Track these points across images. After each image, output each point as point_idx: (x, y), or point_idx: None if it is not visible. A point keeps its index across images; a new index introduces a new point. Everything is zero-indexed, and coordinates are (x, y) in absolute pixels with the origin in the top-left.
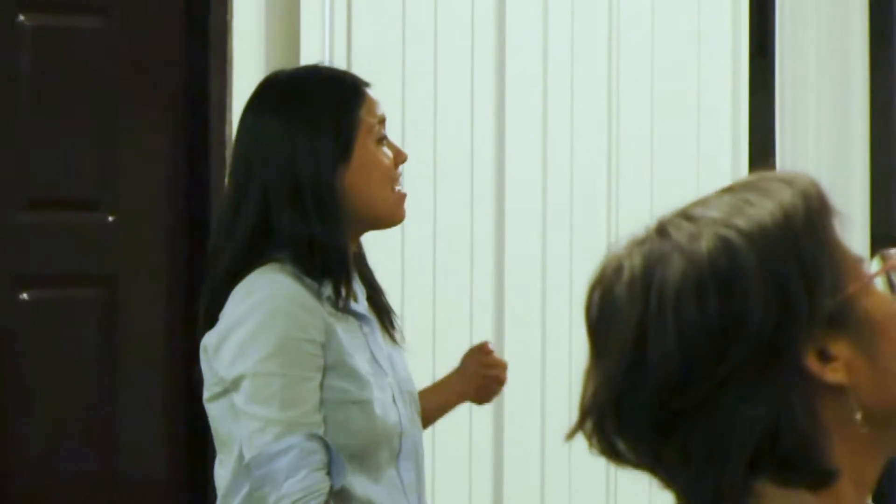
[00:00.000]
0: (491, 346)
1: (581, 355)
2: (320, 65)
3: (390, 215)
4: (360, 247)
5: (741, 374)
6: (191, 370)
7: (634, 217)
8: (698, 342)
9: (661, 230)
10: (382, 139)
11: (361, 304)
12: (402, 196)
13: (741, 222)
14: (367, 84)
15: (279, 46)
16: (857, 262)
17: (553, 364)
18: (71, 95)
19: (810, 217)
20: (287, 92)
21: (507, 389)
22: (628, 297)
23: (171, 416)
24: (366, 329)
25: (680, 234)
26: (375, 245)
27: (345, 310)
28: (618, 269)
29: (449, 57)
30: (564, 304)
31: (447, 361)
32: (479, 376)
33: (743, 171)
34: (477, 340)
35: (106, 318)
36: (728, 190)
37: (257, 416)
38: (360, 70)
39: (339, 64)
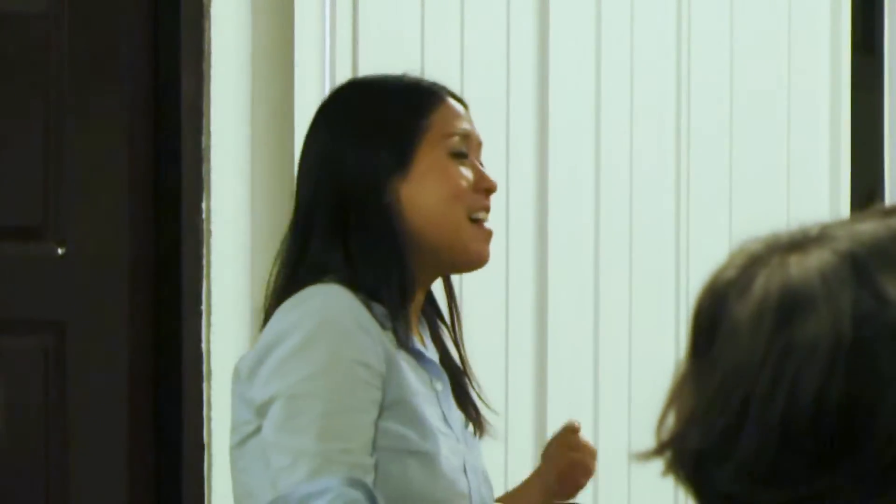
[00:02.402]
0: (578, 426)
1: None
2: (405, 75)
3: (462, 247)
4: (430, 299)
5: (841, 495)
6: (158, 433)
7: (708, 250)
8: (803, 438)
9: (805, 249)
10: (461, 155)
11: (434, 358)
12: (483, 231)
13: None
14: (451, 94)
15: (267, 36)
16: None
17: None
18: (6, 96)
19: None
20: (349, 99)
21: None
22: (750, 333)
23: (135, 489)
24: (438, 385)
25: (832, 274)
26: None
27: (412, 351)
28: (748, 281)
29: (479, 44)
30: (622, 341)
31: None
32: (564, 460)
33: (844, 190)
34: (513, 389)
35: (54, 371)
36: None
37: (287, 447)
38: (367, 64)
39: (342, 55)
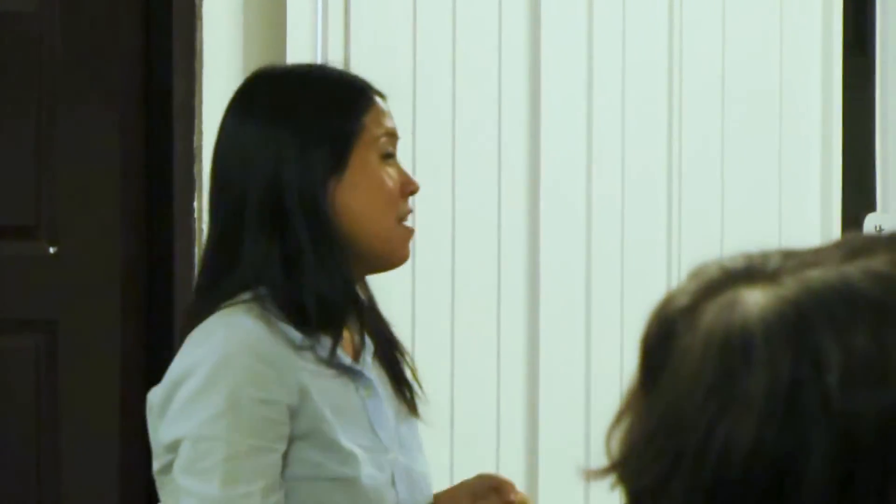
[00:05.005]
0: (513, 492)
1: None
2: (325, 64)
3: (390, 251)
4: (368, 292)
5: None
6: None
7: (701, 245)
8: (733, 491)
9: (757, 285)
10: (389, 156)
11: (365, 362)
12: (409, 232)
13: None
14: (379, 93)
15: (259, 36)
16: None
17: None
18: None
19: None
20: (276, 90)
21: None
22: (690, 380)
23: (126, 489)
24: (363, 392)
25: (777, 326)
26: (378, 281)
27: (336, 366)
28: (698, 312)
29: (470, 48)
30: (614, 351)
31: (467, 408)
32: None
33: (835, 188)
34: (505, 388)
35: (46, 370)
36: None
37: (193, 492)
38: (359, 64)
39: (334, 55)
